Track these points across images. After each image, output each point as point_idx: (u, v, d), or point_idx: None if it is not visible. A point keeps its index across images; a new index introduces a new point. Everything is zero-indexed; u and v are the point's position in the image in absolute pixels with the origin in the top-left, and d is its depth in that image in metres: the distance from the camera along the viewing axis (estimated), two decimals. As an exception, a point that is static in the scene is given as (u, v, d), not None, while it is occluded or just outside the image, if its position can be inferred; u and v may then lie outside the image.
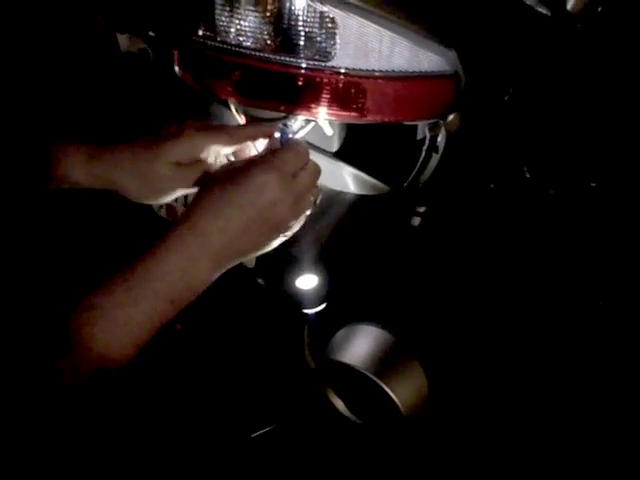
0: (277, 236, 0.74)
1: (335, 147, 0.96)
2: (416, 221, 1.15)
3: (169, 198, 0.80)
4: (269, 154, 0.71)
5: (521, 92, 1.01)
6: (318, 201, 0.79)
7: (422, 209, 1.15)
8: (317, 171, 0.77)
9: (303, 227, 1.05)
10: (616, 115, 1.24)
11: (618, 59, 1.14)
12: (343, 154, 0.96)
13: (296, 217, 0.74)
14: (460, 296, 1.13)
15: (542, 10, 0.98)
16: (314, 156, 0.96)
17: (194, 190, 0.78)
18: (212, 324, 1.36)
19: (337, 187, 1.00)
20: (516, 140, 1.22)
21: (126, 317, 0.61)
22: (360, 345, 0.97)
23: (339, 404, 1.09)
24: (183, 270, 0.65)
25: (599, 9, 1.04)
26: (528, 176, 1.44)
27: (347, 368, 0.96)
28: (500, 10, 0.91)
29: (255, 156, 0.76)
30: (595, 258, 1.36)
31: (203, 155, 0.77)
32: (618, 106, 1.22)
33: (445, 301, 1.09)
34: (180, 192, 0.79)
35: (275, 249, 0.98)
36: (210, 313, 1.29)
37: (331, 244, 1.03)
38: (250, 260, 1.05)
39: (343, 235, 1.04)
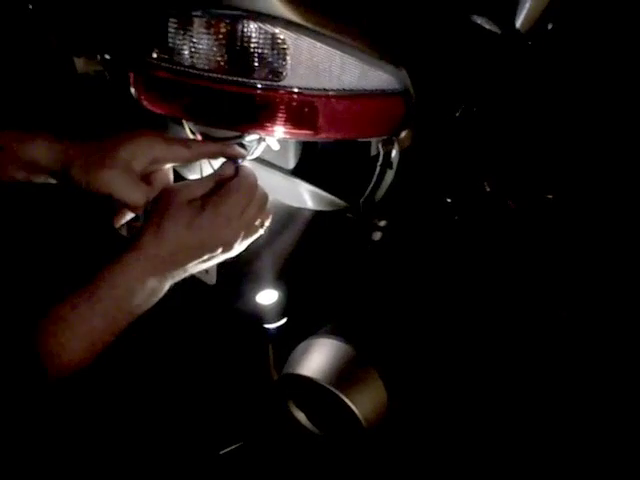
0: (222, 255, 0.80)
1: (291, 164, 0.98)
2: (377, 235, 1.17)
3: (117, 196, 0.77)
4: (222, 193, 0.77)
5: (474, 108, 1.04)
6: (267, 224, 0.85)
7: (382, 223, 1.17)
8: (265, 201, 0.83)
9: (263, 243, 1.07)
10: (569, 128, 1.27)
11: (570, 74, 1.18)
12: (299, 171, 0.98)
13: (242, 242, 0.81)
14: (420, 308, 1.15)
15: (491, 28, 1.02)
16: (270, 173, 0.99)
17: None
18: (176, 341, 1.36)
19: (295, 204, 1.02)
20: (473, 155, 1.25)
21: (89, 329, 0.68)
22: (319, 358, 0.98)
23: (301, 417, 1.10)
24: (140, 285, 0.72)
25: (549, 27, 1.08)
26: (488, 190, 1.47)
27: (307, 381, 0.97)
28: (450, 29, 0.94)
29: (209, 184, 0.79)
30: (554, 266, 1.39)
31: (156, 162, 0.79)
32: (571, 119, 1.26)
33: (403, 313, 1.11)
34: (127, 195, 0.77)
35: (235, 265, 1.00)
36: (174, 330, 1.29)
37: (291, 259, 1.05)
38: (211, 277, 1.06)
39: (303, 250, 1.05)
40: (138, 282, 0.71)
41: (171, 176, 0.84)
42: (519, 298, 1.36)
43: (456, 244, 1.23)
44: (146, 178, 0.80)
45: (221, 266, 1.03)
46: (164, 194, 0.77)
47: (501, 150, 1.29)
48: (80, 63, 0.95)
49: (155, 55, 0.81)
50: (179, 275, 0.77)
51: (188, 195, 0.77)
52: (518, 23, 1.04)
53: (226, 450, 1.40)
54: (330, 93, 0.81)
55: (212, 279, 1.06)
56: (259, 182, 0.95)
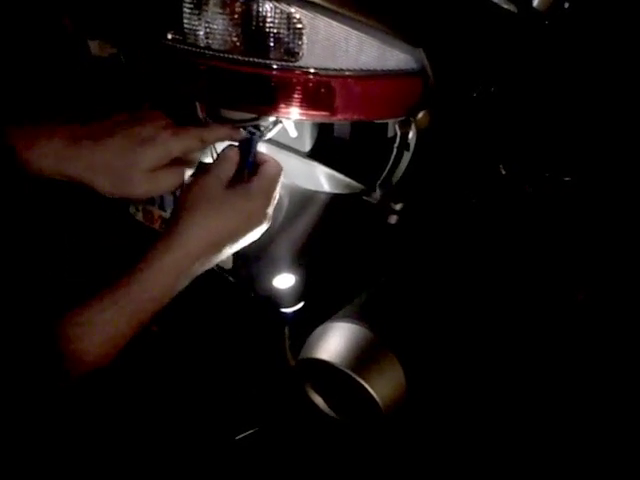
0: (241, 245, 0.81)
1: (308, 147, 0.97)
2: (393, 219, 1.16)
3: (140, 198, 0.81)
4: (253, 189, 0.78)
5: (491, 89, 1.02)
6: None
7: (398, 206, 1.16)
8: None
9: (279, 227, 1.07)
10: (586, 110, 1.26)
11: (587, 54, 1.16)
12: (316, 154, 0.98)
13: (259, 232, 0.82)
14: (438, 292, 1.14)
15: (509, 7, 1.00)
16: (287, 157, 0.98)
17: (167, 192, 0.81)
18: (192, 327, 1.36)
19: (311, 187, 1.01)
20: (490, 137, 1.24)
21: (115, 331, 0.68)
22: (337, 342, 0.97)
23: (319, 401, 1.09)
24: (164, 284, 0.71)
25: (566, 5, 1.06)
26: (504, 173, 1.46)
27: (324, 365, 0.97)
28: (467, 7, 0.92)
29: (229, 172, 0.79)
30: (572, 250, 1.38)
31: (167, 156, 0.79)
32: (588, 101, 1.24)
33: (422, 297, 1.11)
34: (152, 193, 0.80)
35: (252, 249, 0.99)
36: (190, 316, 1.29)
37: (308, 243, 1.04)
38: (227, 261, 1.06)
39: (320, 234, 1.05)
40: (169, 285, 0.72)
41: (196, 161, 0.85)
42: (535, 282, 1.35)
43: (473, 227, 1.22)
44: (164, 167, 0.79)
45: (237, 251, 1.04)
46: (192, 187, 0.77)
47: (518, 132, 1.27)
48: (95, 46, 0.94)
49: (170, 37, 0.80)
50: (204, 268, 0.77)
51: (216, 187, 0.77)
52: (535, 2, 1.03)
53: (242, 435, 1.40)
54: (347, 73, 0.80)
55: (228, 264, 1.06)
56: None
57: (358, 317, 1.00)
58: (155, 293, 0.71)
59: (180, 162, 0.82)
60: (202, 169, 0.80)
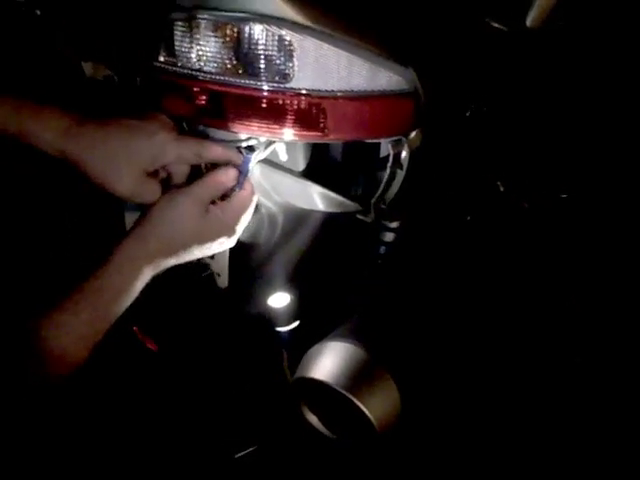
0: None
1: (301, 166, 0.98)
2: (389, 237, 1.17)
3: (122, 197, 0.81)
4: (227, 207, 0.84)
5: (484, 107, 1.03)
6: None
7: (395, 224, 1.16)
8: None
9: (274, 246, 1.07)
10: (583, 125, 1.26)
11: (582, 71, 1.16)
12: (309, 173, 0.98)
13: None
14: (433, 311, 1.14)
15: (499, 26, 1.01)
16: (281, 176, 0.98)
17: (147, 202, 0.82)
18: (191, 346, 1.36)
19: (306, 206, 1.01)
20: (485, 154, 1.24)
21: (91, 330, 0.72)
22: (331, 361, 0.97)
23: (314, 420, 1.09)
24: (132, 281, 0.76)
25: (560, 24, 1.06)
26: (502, 189, 1.46)
27: (319, 384, 0.97)
28: (458, 27, 0.93)
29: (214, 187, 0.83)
30: (567, 266, 1.38)
31: (168, 161, 0.82)
32: (585, 116, 1.24)
33: (417, 316, 1.10)
34: (134, 197, 0.81)
35: (247, 268, 1.00)
36: (189, 335, 1.30)
37: (302, 262, 1.05)
38: (223, 280, 1.06)
39: (314, 253, 1.05)
40: (139, 279, 0.76)
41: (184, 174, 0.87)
42: (532, 299, 1.34)
43: (468, 245, 1.22)
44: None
45: (233, 269, 1.04)
46: (176, 194, 0.80)
47: (514, 149, 1.27)
48: (88, 67, 0.95)
49: (162, 59, 0.81)
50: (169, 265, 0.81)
51: (200, 197, 0.81)
52: (528, 21, 1.03)
53: (242, 453, 1.40)
54: (338, 94, 0.81)
55: (224, 282, 1.06)
56: (270, 185, 0.97)
57: (353, 336, 1.00)
58: (125, 288, 0.75)
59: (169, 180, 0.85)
60: (187, 184, 0.83)
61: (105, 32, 0.87)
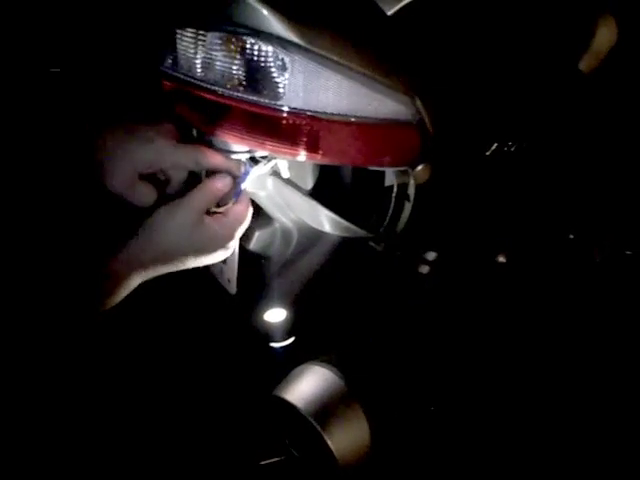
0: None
1: (309, 185, 0.97)
2: (424, 269, 1.13)
3: (114, 192, 0.83)
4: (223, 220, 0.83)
5: (510, 146, 0.96)
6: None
7: (431, 256, 1.12)
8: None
9: (286, 261, 1.06)
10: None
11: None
12: (317, 193, 0.96)
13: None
14: (421, 353, 1.08)
15: (548, 67, 0.94)
16: (293, 193, 0.98)
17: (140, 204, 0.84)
18: (219, 353, 1.38)
19: (315, 225, 1.00)
20: (554, 199, 1.17)
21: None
22: (307, 386, 0.95)
23: (284, 437, 1.08)
24: (119, 290, 0.77)
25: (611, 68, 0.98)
26: (571, 237, 1.38)
27: (290, 407, 0.95)
28: (478, 57, 0.87)
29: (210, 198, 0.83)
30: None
31: (164, 167, 0.85)
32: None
33: (405, 355, 1.05)
34: (127, 196, 0.83)
35: (257, 280, 1.00)
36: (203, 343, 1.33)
37: (310, 281, 1.03)
38: (232, 286, 1.07)
39: (324, 274, 1.03)
40: (128, 287, 0.78)
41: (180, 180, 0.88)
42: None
43: (497, 287, 1.15)
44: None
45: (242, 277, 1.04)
46: (173, 205, 0.80)
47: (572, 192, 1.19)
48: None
49: (168, 63, 0.84)
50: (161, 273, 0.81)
51: (196, 207, 0.81)
52: (582, 65, 0.96)
53: (268, 461, 1.40)
54: (330, 117, 0.79)
55: (233, 289, 1.07)
56: (284, 201, 0.96)
57: (335, 363, 0.97)
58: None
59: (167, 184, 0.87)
60: (185, 191, 0.83)
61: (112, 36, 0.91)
